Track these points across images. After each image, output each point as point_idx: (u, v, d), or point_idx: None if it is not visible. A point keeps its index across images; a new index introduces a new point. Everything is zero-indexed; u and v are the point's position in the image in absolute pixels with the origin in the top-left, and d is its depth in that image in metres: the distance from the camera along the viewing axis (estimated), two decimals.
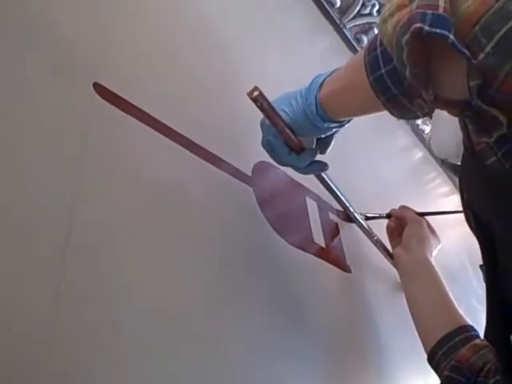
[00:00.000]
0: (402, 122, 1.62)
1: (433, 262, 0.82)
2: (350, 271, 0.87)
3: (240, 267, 0.64)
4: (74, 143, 0.50)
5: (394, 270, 0.88)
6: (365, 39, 1.60)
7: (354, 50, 1.62)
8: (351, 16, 1.54)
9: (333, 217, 0.91)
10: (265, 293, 0.66)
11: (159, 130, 0.60)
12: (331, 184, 0.77)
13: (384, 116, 0.57)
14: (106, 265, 0.47)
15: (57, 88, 0.51)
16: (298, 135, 0.62)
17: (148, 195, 0.56)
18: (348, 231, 0.93)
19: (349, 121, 0.64)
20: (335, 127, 0.64)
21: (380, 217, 0.95)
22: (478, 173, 0.50)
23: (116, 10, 0.65)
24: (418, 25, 0.36)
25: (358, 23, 1.56)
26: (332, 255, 0.84)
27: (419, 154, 1.84)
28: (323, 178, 0.74)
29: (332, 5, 1.50)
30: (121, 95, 0.57)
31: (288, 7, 1.34)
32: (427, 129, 1.75)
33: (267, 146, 0.65)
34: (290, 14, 1.33)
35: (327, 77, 0.61)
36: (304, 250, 0.76)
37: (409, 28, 0.37)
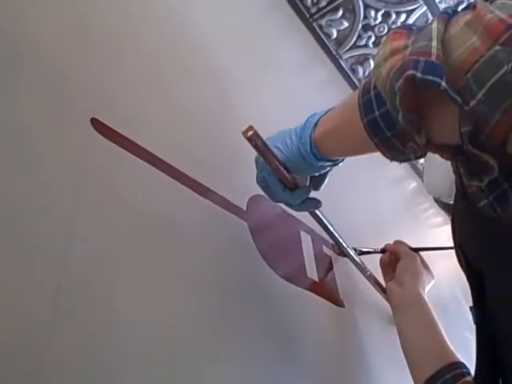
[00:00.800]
0: None
1: (425, 298, 0.82)
2: (343, 306, 0.86)
3: (232, 300, 0.63)
4: (71, 178, 0.50)
5: (387, 305, 0.88)
6: (360, 70, 1.62)
7: (349, 80, 1.64)
8: (347, 47, 1.56)
9: (327, 250, 0.91)
10: (256, 326, 0.65)
11: (155, 164, 0.60)
12: (324, 219, 0.77)
13: None
14: (97, 296, 0.46)
15: (54, 123, 0.51)
16: (293, 173, 0.63)
17: (144, 229, 0.55)
18: (342, 265, 0.93)
19: (343, 160, 0.64)
20: (329, 166, 0.64)
21: (375, 252, 0.95)
22: (469, 215, 0.50)
23: (114, 46, 0.65)
24: (410, 72, 0.36)
25: (353, 54, 1.58)
26: (325, 289, 0.83)
27: (413, 184, 1.85)
28: (316, 214, 0.75)
29: (328, 36, 1.52)
30: (118, 130, 0.57)
31: (285, 38, 1.36)
32: (421, 159, 1.76)
33: (262, 182, 0.65)
34: (287, 45, 1.35)
35: (322, 116, 0.62)
36: (297, 284, 0.76)
37: (402, 74, 0.37)
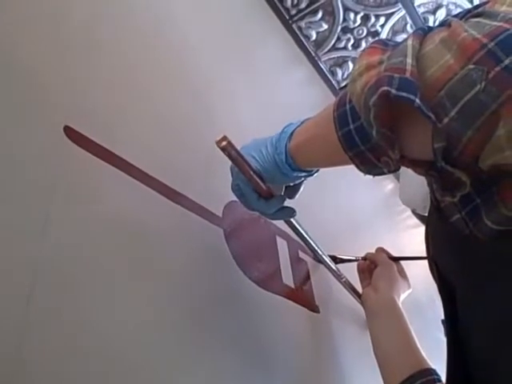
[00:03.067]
0: None
1: (399, 305, 0.83)
2: (318, 311, 0.86)
3: (205, 307, 0.63)
4: (44, 186, 0.49)
5: (363, 311, 0.88)
6: (339, 72, 1.63)
7: (328, 82, 1.64)
8: (326, 49, 1.56)
9: (302, 255, 0.91)
10: (231, 333, 0.65)
11: (129, 172, 0.59)
12: (298, 227, 0.77)
13: None
14: (68, 304, 0.46)
15: (26, 131, 0.50)
16: (267, 182, 0.62)
17: (117, 236, 0.55)
18: (318, 270, 0.93)
19: (317, 170, 0.64)
20: (304, 176, 0.64)
21: (356, 260, 0.96)
22: (442, 229, 0.50)
23: (88, 53, 0.64)
24: (385, 88, 0.36)
25: (332, 56, 1.59)
26: (301, 296, 0.83)
27: (390, 185, 1.87)
28: (290, 221, 0.74)
29: (308, 38, 1.53)
30: (91, 138, 0.56)
31: (264, 39, 1.35)
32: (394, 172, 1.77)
33: (237, 190, 0.65)
34: (266, 46, 1.34)
35: (298, 127, 0.61)
36: (272, 290, 0.76)
37: (376, 90, 0.37)
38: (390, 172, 0.49)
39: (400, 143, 0.40)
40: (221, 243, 0.72)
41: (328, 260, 0.89)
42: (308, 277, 0.89)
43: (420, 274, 1.27)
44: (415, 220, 1.96)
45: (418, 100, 0.35)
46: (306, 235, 0.80)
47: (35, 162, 0.49)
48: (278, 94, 1.25)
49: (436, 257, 0.54)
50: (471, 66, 0.33)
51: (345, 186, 1.37)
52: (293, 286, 0.82)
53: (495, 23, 0.34)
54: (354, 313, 0.95)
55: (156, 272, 0.58)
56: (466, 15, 0.39)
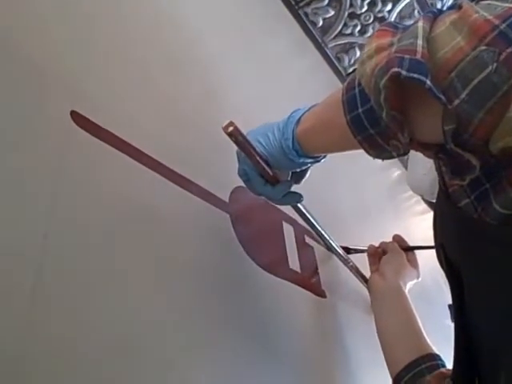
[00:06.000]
0: None
1: (405, 291, 0.83)
2: (324, 296, 0.87)
3: (212, 292, 0.64)
4: (50, 170, 0.49)
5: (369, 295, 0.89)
6: (346, 58, 1.62)
7: (335, 68, 1.63)
8: (333, 35, 1.56)
9: (309, 241, 0.91)
10: (237, 318, 0.66)
11: (136, 157, 0.60)
12: (306, 212, 0.77)
13: None
14: (75, 290, 0.46)
15: (33, 116, 0.50)
16: (274, 167, 0.63)
17: (122, 220, 0.55)
18: (324, 256, 0.93)
19: (324, 156, 0.64)
20: (310, 162, 0.64)
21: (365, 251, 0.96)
22: (451, 214, 0.50)
23: (92, 38, 0.64)
24: (395, 69, 0.36)
25: (339, 42, 1.58)
26: (307, 280, 0.84)
27: (397, 172, 1.87)
28: (298, 207, 0.75)
29: (314, 24, 1.52)
30: (97, 123, 0.56)
31: (271, 26, 1.35)
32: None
33: (243, 175, 0.65)
34: (273, 32, 1.34)
35: (305, 112, 0.61)
36: (279, 275, 0.76)
37: (387, 71, 0.37)
38: (399, 155, 0.49)
39: (409, 126, 0.40)
40: (228, 229, 0.72)
41: (335, 245, 0.89)
42: (314, 262, 0.90)
43: (428, 260, 1.27)
44: (422, 206, 1.96)
45: (428, 81, 0.35)
46: (313, 220, 0.80)
47: (42, 147, 0.50)
48: (284, 81, 1.24)
49: (444, 242, 0.54)
50: (483, 48, 0.33)
51: (352, 173, 1.37)
52: (299, 271, 0.83)
53: (506, 5, 0.34)
54: (361, 298, 0.96)
55: (163, 258, 0.58)
56: None
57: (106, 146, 0.57)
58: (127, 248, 0.54)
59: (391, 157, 0.51)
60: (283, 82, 1.23)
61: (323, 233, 0.86)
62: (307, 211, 0.77)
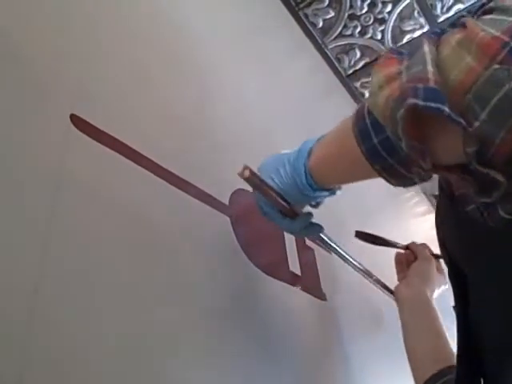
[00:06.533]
0: None
1: (432, 300, 0.82)
2: (325, 299, 0.87)
3: (212, 295, 0.63)
4: (50, 174, 0.49)
5: (369, 297, 0.89)
6: (346, 59, 1.62)
7: (335, 69, 1.63)
8: (333, 36, 1.55)
9: (309, 243, 0.91)
10: (237, 320, 0.66)
11: (136, 160, 0.59)
12: (329, 241, 0.75)
13: None
14: (77, 295, 0.46)
15: (32, 119, 0.50)
16: (291, 202, 0.62)
17: (122, 223, 0.55)
18: (324, 258, 0.93)
19: (339, 188, 0.63)
20: (326, 195, 0.63)
21: (397, 246, 0.95)
22: (453, 216, 0.50)
23: (92, 42, 0.64)
24: (411, 100, 0.35)
25: (339, 44, 1.58)
26: (307, 283, 0.84)
27: None
28: (322, 238, 0.73)
29: (314, 25, 1.52)
30: (97, 126, 0.56)
31: (271, 27, 1.34)
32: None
33: (261, 210, 0.65)
34: (273, 34, 1.34)
35: (315, 143, 0.60)
36: (279, 278, 0.76)
37: (402, 103, 0.36)
38: (422, 181, 0.47)
39: (431, 152, 0.39)
40: (229, 231, 0.72)
41: (357, 263, 0.87)
42: (315, 264, 0.89)
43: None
44: (423, 207, 1.96)
45: (446, 108, 0.34)
46: (337, 248, 0.78)
47: (41, 151, 0.50)
48: (284, 81, 1.24)
49: (447, 243, 0.54)
50: (496, 66, 0.33)
51: None
52: (299, 273, 0.83)
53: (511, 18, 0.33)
54: (360, 300, 0.96)
55: (161, 262, 0.58)
56: (476, 12, 0.38)
57: (105, 148, 0.56)
58: (126, 251, 0.54)
59: (414, 183, 0.49)
60: (283, 83, 1.23)
61: (349, 258, 0.84)
62: (329, 239, 0.75)
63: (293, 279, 0.80)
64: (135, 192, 0.59)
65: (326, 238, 0.74)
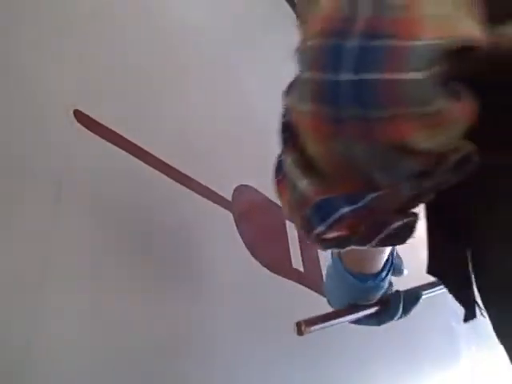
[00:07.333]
0: None
1: None
2: None
3: (214, 292, 0.64)
4: (54, 169, 0.50)
5: None
6: None
7: None
8: None
9: None
10: (239, 317, 0.66)
11: (139, 156, 0.60)
12: None
13: None
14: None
15: (35, 115, 0.51)
16: (363, 302, 0.61)
17: (123, 217, 0.55)
18: (328, 254, 0.93)
19: (382, 270, 0.61)
20: (379, 281, 0.61)
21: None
22: None
23: (98, 34, 0.64)
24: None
25: None
26: (310, 279, 0.83)
27: None
28: None
29: None
30: (100, 122, 0.56)
31: (272, 23, 1.34)
32: None
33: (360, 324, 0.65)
34: (274, 30, 1.34)
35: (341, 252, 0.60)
36: (282, 275, 0.76)
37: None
38: None
39: None
40: (232, 228, 0.72)
41: None
42: (318, 261, 0.89)
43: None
44: None
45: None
46: None
47: (45, 147, 0.50)
48: (286, 79, 1.24)
49: None
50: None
51: None
52: (302, 269, 0.82)
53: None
54: None
55: (162, 257, 0.58)
56: None
57: (109, 144, 0.57)
58: (129, 246, 0.54)
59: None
60: (284, 81, 1.22)
61: None
62: None
63: (296, 276, 0.79)
64: (136, 187, 0.59)
65: None
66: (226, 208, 0.72)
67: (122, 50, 0.67)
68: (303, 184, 0.38)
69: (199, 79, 0.84)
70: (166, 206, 0.62)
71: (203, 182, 0.68)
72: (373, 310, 0.60)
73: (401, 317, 0.63)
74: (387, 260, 0.60)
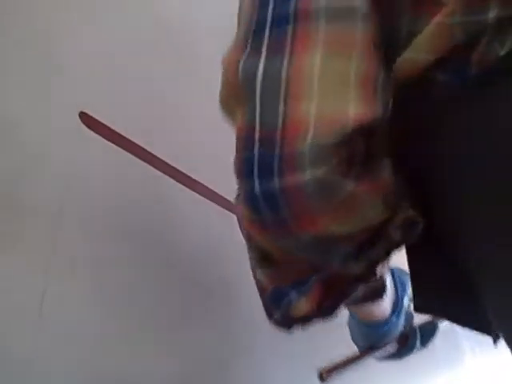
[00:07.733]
0: None
1: None
2: None
3: (218, 295, 0.64)
4: (60, 172, 0.50)
5: None
6: None
7: None
8: None
9: None
10: (241, 319, 0.67)
11: (144, 158, 0.60)
12: None
13: None
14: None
15: (42, 117, 0.51)
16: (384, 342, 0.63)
17: (130, 222, 0.56)
18: None
19: (396, 313, 0.62)
20: (391, 325, 0.62)
21: None
22: None
23: (104, 38, 0.64)
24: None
25: None
26: None
27: None
28: None
29: None
30: (106, 124, 0.57)
31: None
32: None
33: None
34: None
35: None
36: None
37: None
38: None
39: None
40: (236, 230, 0.72)
41: None
42: None
43: None
44: None
45: None
46: None
47: (51, 148, 0.50)
48: None
49: None
50: None
51: None
52: None
53: None
54: None
55: (169, 258, 0.58)
56: None
57: (115, 147, 0.57)
58: (133, 248, 0.54)
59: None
60: None
61: None
62: None
63: None
64: (142, 188, 0.59)
65: None
66: (230, 210, 0.72)
67: (122, 50, 0.68)
68: (259, 273, 0.40)
69: (203, 80, 0.84)
70: (169, 207, 0.62)
71: (207, 184, 0.69)
72: (391, 349, 0.62)
73: (420, 349, 0.65)
74: (395, 303, 0.61)
